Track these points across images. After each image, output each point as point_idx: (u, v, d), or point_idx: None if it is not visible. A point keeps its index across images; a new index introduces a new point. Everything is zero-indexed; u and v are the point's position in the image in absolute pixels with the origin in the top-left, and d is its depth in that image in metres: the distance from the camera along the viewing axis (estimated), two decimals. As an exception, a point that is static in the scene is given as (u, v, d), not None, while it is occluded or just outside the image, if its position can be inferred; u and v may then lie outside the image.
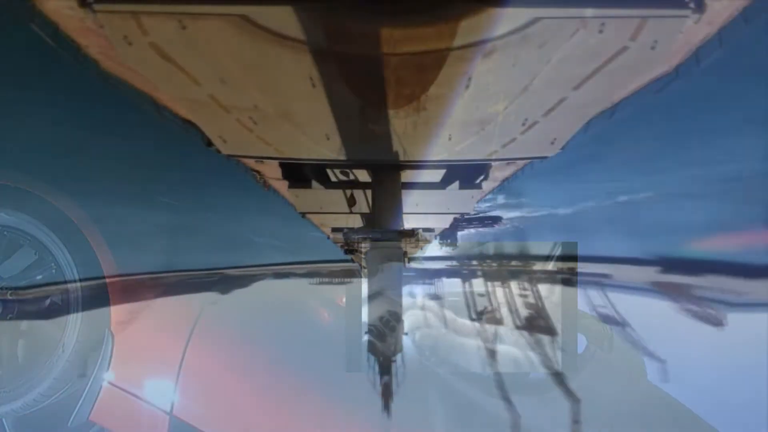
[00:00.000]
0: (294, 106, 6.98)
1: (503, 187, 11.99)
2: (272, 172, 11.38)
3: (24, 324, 10.50)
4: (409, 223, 14.24)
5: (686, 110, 7.56)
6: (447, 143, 8.14)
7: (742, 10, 5.24)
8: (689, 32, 5.12)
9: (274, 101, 6.76)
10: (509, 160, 9.28)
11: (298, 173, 10.97)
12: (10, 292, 10.02)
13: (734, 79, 6.59)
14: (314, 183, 11.02)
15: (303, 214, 13.65)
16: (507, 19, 4.99)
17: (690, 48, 5.98)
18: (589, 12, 4.71)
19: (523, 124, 7.49)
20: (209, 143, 8.24)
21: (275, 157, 9.05)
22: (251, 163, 10.84)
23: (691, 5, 4.63)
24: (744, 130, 7.72)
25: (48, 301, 10.75)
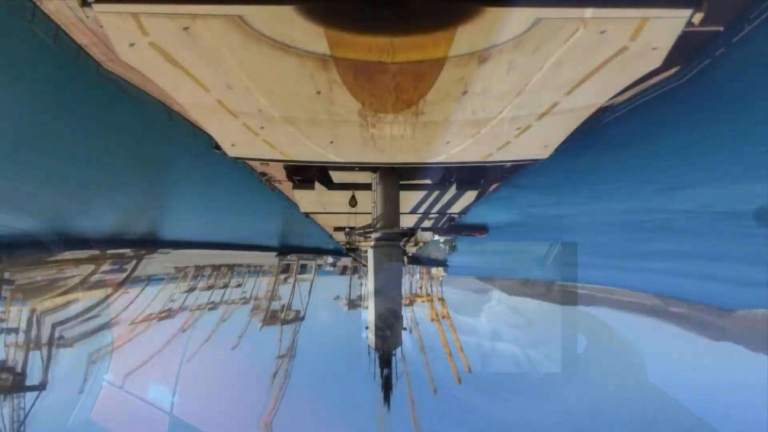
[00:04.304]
0: (298, 111, 7.02)
1: (499, 187, 12.00)
2: (277, 174, 11.40)
3: (24, 324, 10.30)
4: (408, 223, 14.23)
5: (686, 111, 7.08)
6: (445, 146, 8.17)
7: (742, 10, 4.88)
8: (689, 32, 4.70)
9: (279, 106, 6.79)
10: (504, 163, 9.32)
11: (302, 175, 11.00)
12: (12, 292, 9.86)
13: (735, 79, 6.07)
14: (317, 184, 11.06)
15: (307, 214, 13.68)
16: (506, 22, 4.87)
17: (690, 48, 5.49)
18: (589, 12, 4.36)
19: (518, 128, 7.52)
20: (216, 146, 8.29)
21: (280, 160, 9.09)
22: (257, 165, 10.86)
23: (691, 5, 4.29)
24: (744, 134, 7.35)
25: (48, 301, 10.60)
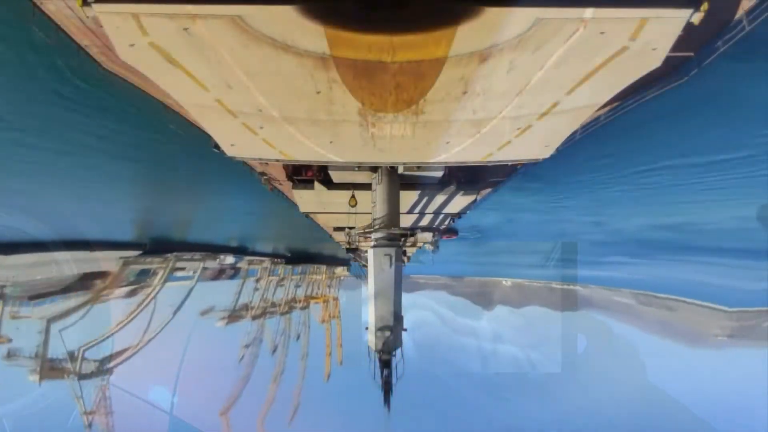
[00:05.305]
0: (298, 111, 6.98)
1: (499, 187, 11.96)
2: (277, 174, 11.34)
3: (25, 324, 10.13)
4: (408, 223, 14.17)
5: (686, 111, 7.11)
6: (445, 146, 8.12)
7: (741, 10, 4.90)
8: (689, 32, 4.77)
9: (279, 106, 6.75)
10: (505, 162, 9.27)
11: (301, 175, 10.94)
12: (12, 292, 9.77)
13: (735, 79, 6.03)
14: (317, 184, 11.01)
15: (306, 214, 13.63)
16: (506, 22, 4.73)
17: (690, 48, 5.56)
18: (589, 12, 4.41)
19: (518, 128, 7.48)
20: (216, 146, 8.25)
21: (280, 160, 9.04)
22: (256, 164, 10.80)
23: (691, 6, 4.36)
24: (744, 131, 7.42)
25: (49, 301, 10.45)
